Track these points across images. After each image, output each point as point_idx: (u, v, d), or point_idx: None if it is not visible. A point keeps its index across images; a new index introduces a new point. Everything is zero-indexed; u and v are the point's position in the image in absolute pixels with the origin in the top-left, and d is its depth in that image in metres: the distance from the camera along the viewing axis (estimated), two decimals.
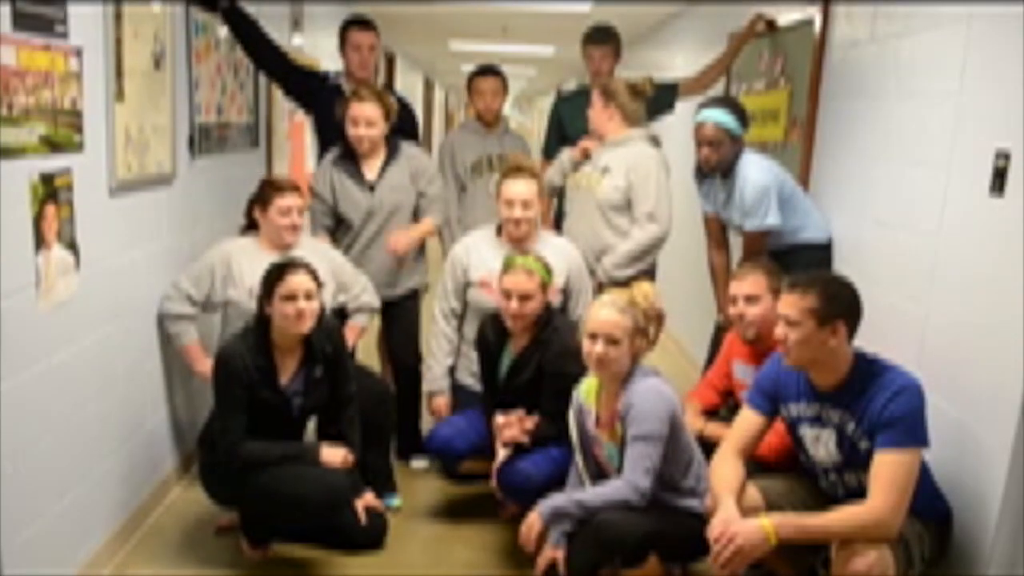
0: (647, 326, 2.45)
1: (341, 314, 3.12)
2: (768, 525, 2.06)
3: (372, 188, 3.27)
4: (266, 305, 2.55)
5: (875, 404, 2.10)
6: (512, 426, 2.75)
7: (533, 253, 2.89)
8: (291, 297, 2.50)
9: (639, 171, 3.20)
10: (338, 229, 3.35)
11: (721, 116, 3.01)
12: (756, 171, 2.97)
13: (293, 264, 2.57)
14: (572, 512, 2.39)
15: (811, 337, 2.15)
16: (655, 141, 3.35)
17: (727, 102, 3.17)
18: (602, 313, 2.42)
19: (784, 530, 2.07)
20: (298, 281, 2.52)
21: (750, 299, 2.64)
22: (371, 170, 3.29)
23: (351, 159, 3.28)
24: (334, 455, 2.59)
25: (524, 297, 2.75)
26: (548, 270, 2.83)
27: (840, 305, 2.16)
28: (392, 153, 3.32)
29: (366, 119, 3.18)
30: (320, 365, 2.66)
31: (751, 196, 2.94)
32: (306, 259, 2.95)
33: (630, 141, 3.28)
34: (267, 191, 2.96)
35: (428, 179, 3.39)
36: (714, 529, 2.12)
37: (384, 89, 3.66)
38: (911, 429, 2.05)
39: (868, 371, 2.16)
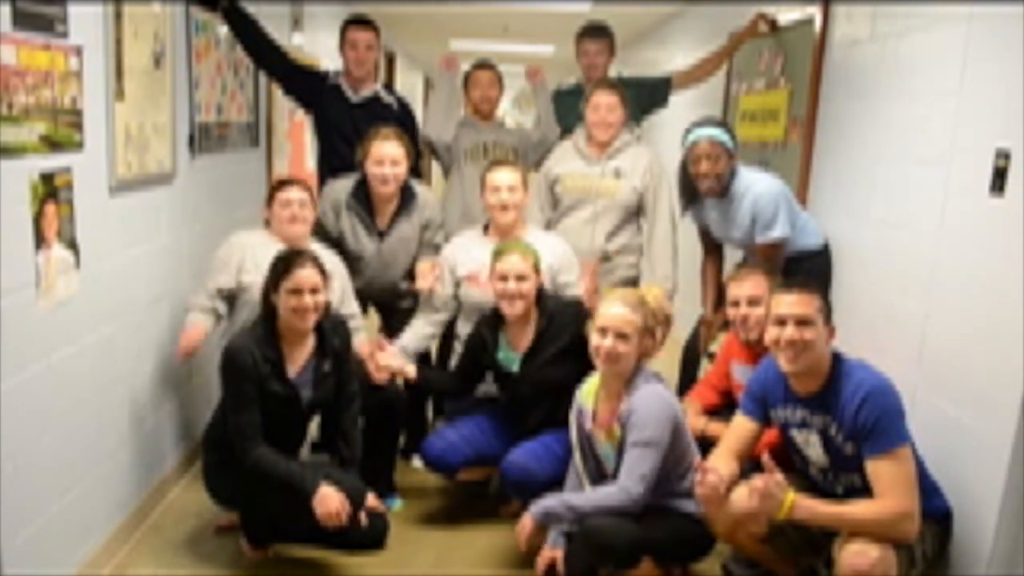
0: (655, 327, 2.45)
1: None
2: (789, 493, 2.07)
3: (381, 235, 3.24)
4: (272, 295, 2.53)
5: (848, 410, 2.12)
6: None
7: (522, 240, 2.91)
8: (296, 291, 2.49)
9: (653, 172, 3.31)
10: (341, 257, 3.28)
11: (715, 132, 2.96)
12: (765, 184, 2.92)
13: (300, 256, 2.55)
14: (563, 515, 2.40)
15: (821, 336, 2.17)
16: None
17: (715, 120, 3.16)
18: (613, 309, 2.42)
19: (801, 508, 2.08)
20: (304, 275, 2.50)
21: (753, 301, 2.63)
22: (383, 217, 3.24)
23: (365, 202, 3.22)
24: (329, 502, 2.43)
25: (520, 277, 2.75)
26: (536, 254, 2.83)
27: (830, 306, 2.22)
28: (406, 202, 3.26)
29: (391, 158, 3.13)
30: (329, 359, 2.65)
31: (768, 208, 2.86)
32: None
33: (632, 143, 3.37)
34: (273, 189, 2.99)
35: (434, 230, 3.36)
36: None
37: (384, 88, 3.67)
38: (887, 431, 2.07)
39: (840, 372, 2.18)
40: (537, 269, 2.81)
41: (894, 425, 2.08)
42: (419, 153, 3.63)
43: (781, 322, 2.19)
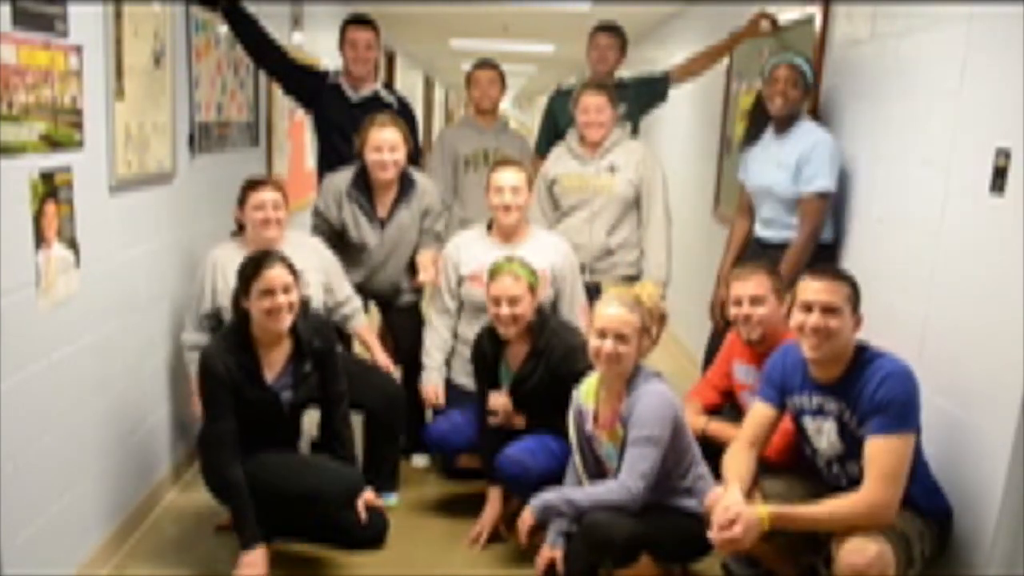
0: (651, 326, 2.46)
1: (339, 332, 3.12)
2: (763, 511, 2.08)
3: (383, 224, 3.25)
4: (243, 301, 2.50)
5: (867, 390, 2.11)
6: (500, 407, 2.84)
7: (519, 257, 2.88)
8: (269, 292, 2.45)
9: (647, 164, 3.36)
10: (343, 248, 3.30)
11: (797, 59, 3.05)
12: (825, 134, 2.98)
13: (268, 257, 2.52)
14: (562, 509, 2.41)
15: (847, 325, 2.16)
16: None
17: (803, 55, 3.18)
18: (610, 310, 2.42)
19: (778, 518, 2.08)
20: (274, 275, 2.46)
21: (755, 300, 2.62)
22: (383, 205, 3.26)
23: (365, 190, 3.23)
24: (246, 571, 2.47)
25: (512, 301, 2.75)
26: (533, 272, 2.83)
27: (859, 295, 2.20)
28: (405, 189, 3.27)
29: (389, 144, 3.14)
30: (309, 360, 2.62)
31: (823, 154, 2.90)
32: (296, 253, 2.94)
33: (624, 139, 3.43)
34: (244, 191, 2.93)
35: (435, 216, 3.37)
36: (718, 512, 2.12)
37: (384, 87, 3.67)
38: (899, 414, 2.06)
39: (862, 360, 2.18)
40: (533, 289, 2.80)
41: (907, 410, 2.07)
42: (419, 151, 3.63)
43: (807, 308, 2.18)
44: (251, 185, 2.93)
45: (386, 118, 3.21)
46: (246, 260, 2.54)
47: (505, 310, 2.76)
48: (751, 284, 2.64)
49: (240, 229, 2.99)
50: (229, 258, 2.89)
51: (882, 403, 2.08)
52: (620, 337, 2.39)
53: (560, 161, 3.44)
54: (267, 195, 2.88)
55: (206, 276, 2.89)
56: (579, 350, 2.75)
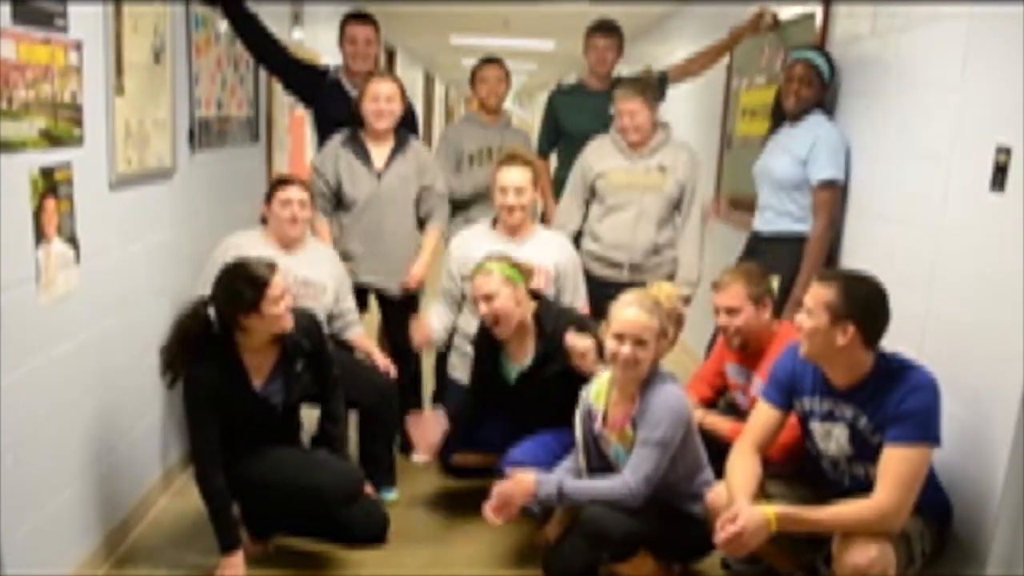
0: (668, 327, 2.43)
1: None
2: (770, 512, 2.06)
3: (379, 176, 3.27)
4: (246, 315, 2.43)
5: (890, 399, 2.08)
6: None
7: (496, 253, 2.85)
8: (281, 297, 2.46)
9: (693, 166, 3.35)
10: (337, 213, 3.33)
11: (814, 56, 3.08)
12: (837, 130, 3.03)
13: (263, 265, 2.48)
14: (552, 497, 2.41)
15: (821, 331, 2.12)
16: None
17: (822, 51, 3.18)
18: (629, 313, 2.36)
19: (785, 519, 2.07)
20: (280, 280, 2.47)
21: (731, 311, 2.62)
22: (379, 157, 3.29)
23: (360, 143, 3.29)
24: (227, 571, 2.50)
25: (488, 297, 2.72)
26: (512, 266, 2.78)
27: (855, 307, 2.10)
28: (400, 144, 3.32)
29: (386, 95, 3.21)
30: (300, 360, 2.62)
31: (831, 145, 2.96)
32: (314, 256, 2.98)
33: (669, 139, 3.38)
34: (273, 187, 2.99)
35: (433, 175, 3.39)
36: (723, 517, 2.11)
37: None
38: (922, 425, 2.04)
39: (888, 371, 2.13)
40: (511, 281, 2.74)
41: (932, 423, 2.05)
42: (416, 130, 3.66)
43: (803, 309, 2.20)
44: (279, 182, 2.99)
45: (385, 72, 3.32)
46: (243, 278, 2.44)
47: (484, 308, 2.74)
48: (727, 296, 2.64)
49: (263, 223, 3.03)
50: (250, 244, 2.91)
51: (907, 413, 2.05)
52: (639, 342, 2.34)
53: (605, 156, 3.37)
54: (294, 193, 2.93)
55: (227, 256, 2.88)
56: (588, 325, 2.73)
